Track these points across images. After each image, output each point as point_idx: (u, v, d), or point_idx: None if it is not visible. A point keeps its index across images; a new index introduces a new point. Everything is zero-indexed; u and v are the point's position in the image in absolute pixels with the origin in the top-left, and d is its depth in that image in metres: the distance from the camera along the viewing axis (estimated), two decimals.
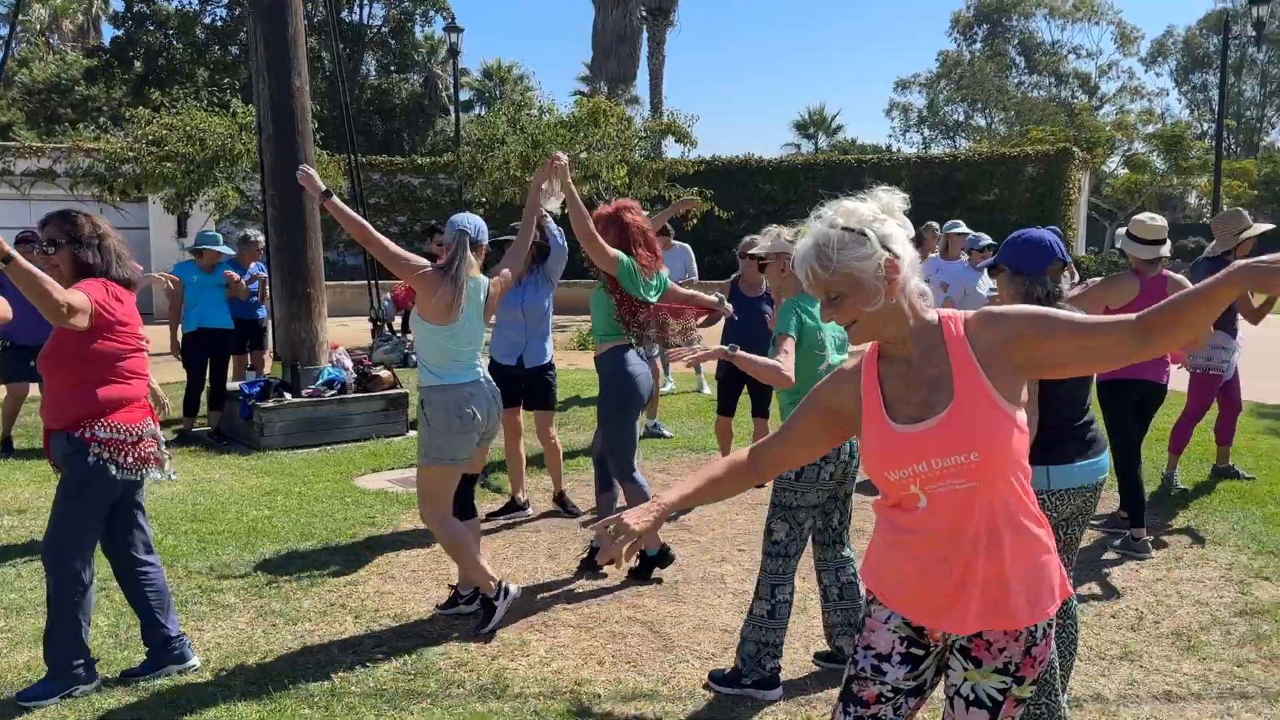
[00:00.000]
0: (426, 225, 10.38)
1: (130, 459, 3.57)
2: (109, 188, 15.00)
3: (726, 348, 3.70)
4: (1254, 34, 21.11)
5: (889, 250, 1.96)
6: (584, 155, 14.29)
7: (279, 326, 8.75)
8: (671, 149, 19.37)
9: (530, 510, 6.01)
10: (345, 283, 17.58)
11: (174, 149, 13.98)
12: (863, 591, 3.60)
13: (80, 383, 3.50)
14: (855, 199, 2.03)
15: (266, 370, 9.43)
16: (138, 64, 28.54)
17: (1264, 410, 8.81)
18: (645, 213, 5.30)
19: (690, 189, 16.10)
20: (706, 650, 4.05)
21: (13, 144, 19.14)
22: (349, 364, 8.94)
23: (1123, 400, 5.18)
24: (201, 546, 5.34)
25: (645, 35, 32.76)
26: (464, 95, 47.26)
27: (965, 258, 7.92)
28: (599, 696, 3.66)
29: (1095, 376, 4.34)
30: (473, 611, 4.34)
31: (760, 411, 6.69)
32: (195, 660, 3.85)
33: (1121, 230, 5.34)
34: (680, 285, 5.39)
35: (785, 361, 3.49)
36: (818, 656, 3.91)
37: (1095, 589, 4.68)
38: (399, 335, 13.44)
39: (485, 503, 6.03)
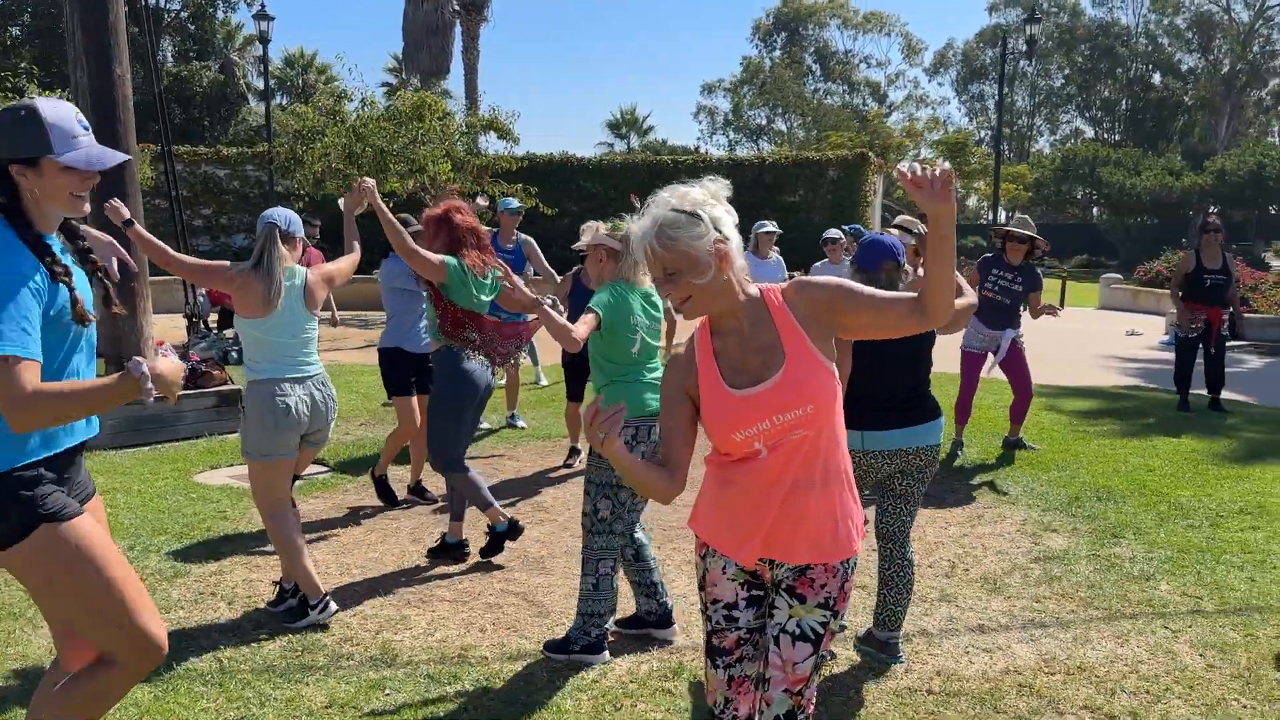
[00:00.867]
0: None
1: None
2: None
3: (546, 299, 4.08)
4: (1025, 49, 22.95)
5: (719, 231, 2.17)
6: (406, 148, 14.20)
7: (100, 323, 8.40)
8: (492, 144, 19.41)
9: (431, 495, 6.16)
10: (155, 278, 16.72)
11: None
12: (650, 556, 4.06)
13: None
14: (687, 185, 2.22)
15: None
16: None
17: (1041, 390, 9.90)
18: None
19: (514, 185, 16.28)
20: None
21: None
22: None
23: None
24: None
25: (459, 29, 32.51)
26: (263, 84, 45.42)
27: (775, 254, 8.76)
28: (486, 659, 3.90)
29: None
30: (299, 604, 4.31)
31: (573, 396, 7.07)
32: None
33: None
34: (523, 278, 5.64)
35: (579, 329, 3.74)
36: (620, 624, 4.11)
37: (913, 544, 5.28)
38: (216, 331, 13.02)
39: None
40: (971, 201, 45.46)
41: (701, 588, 2.39)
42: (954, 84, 68.67)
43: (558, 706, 3.50)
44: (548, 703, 3.52)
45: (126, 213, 4.26)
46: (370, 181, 4.74)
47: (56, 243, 2.50)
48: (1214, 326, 8.63)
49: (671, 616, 4.08)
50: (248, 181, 22.02)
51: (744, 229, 9.43)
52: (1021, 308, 7.14)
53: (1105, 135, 59.80)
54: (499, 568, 4.94)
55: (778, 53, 63.71)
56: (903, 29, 66.59)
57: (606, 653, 3.87)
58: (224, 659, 3.86)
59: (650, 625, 4.07)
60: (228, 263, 4.33)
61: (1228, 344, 8.93)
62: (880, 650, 3.83)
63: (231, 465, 7.15)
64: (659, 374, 3.97)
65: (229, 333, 12.56)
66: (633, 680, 3.71)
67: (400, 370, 6.03)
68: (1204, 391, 9.03)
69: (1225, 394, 9.06)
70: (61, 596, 2.41)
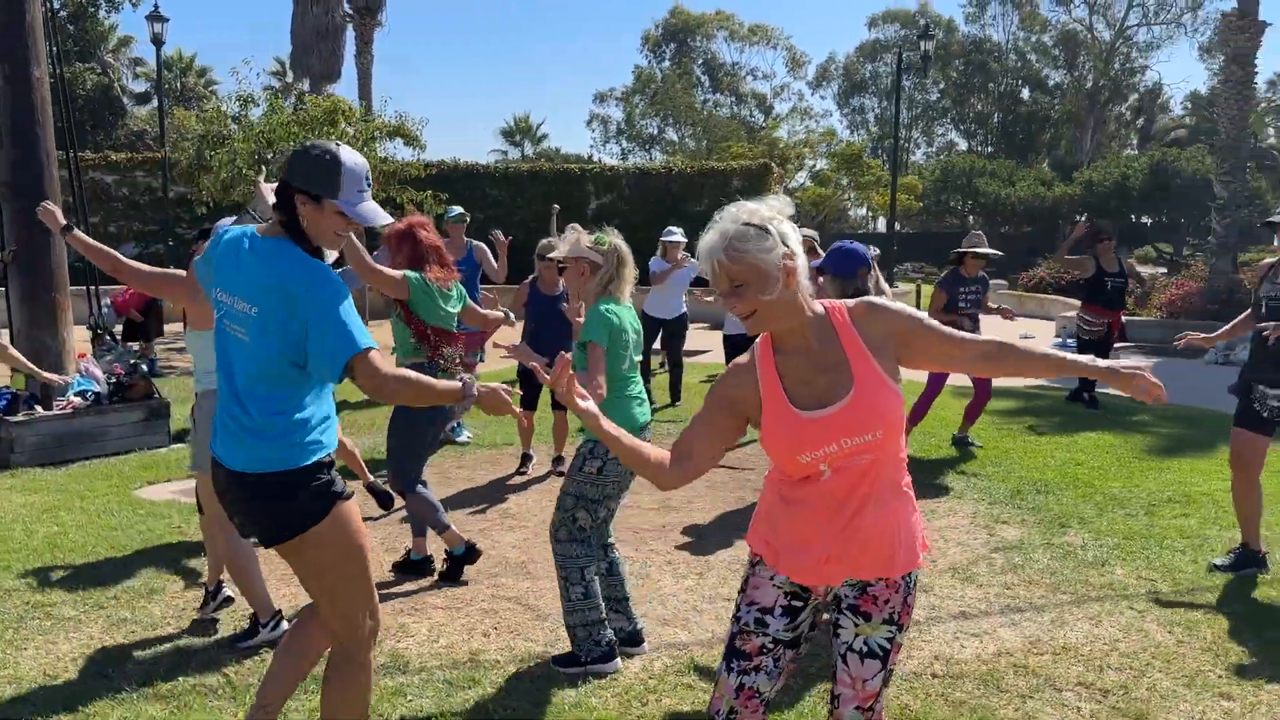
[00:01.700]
0: (202, 229, 9.88)
1: None
2: None
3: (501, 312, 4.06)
4: (920, 64, 23.87)
5: (786, 246, 2.13)
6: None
7: (19, 336, 8.04)
8: (399, 151, 19.13)
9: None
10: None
11: None
12: (623, 572, 4.04)
13: None
14: (754, 201, 2.21)
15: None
16: None
17: (962, 391, 10.34)
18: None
19: (422, 192, 16.10)
20: None
21: None
22: (99, 373, 8.36)
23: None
24: (4, 565, 4.98)
25: (352, 33, 31.89)
26: (141, 87, 43.72)
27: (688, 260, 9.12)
28: (498, 662, 3.93)
29: None
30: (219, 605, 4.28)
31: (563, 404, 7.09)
32: None
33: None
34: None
35: (594, 373, 3.69)
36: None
37: None
38: (121, 344, 12.50)
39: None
40: (862, 211, 46.98)
41: (742, 590, 2.38)
42: (836, 97, 70.62)
43: (584, 704, 3.56)
44: (574, 701, 3.58)
45: (62, 217, 4.10)
46: None
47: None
48: (1114, 329, 9.18)
49: (641, 635, 4.03)
50: (137, 188, 21.14)
51: (652, 238, 9.69)
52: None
53: (979, 148, 62.37)
54: (484, 573, 4.95)
55: (667, 63, 64.47)
56: (787, 42, 68.16)
57: (619, 659, 3.86)
58: (230, 674, 3.79)
59: (619, 643, 3.96)
60: (183, 271, 4.16)
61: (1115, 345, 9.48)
62: None
63: (171, 480, 6.94)
64: (641, 388, 4.02)
65: (135, 344, 12.09)
66: (650, 676, 3.79)
67: None
68: (1094, 388, 9.59)
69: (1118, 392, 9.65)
70: (342, 566, 2.73)
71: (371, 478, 6.04)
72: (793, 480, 2.27)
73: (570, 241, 4.03)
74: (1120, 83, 60.16)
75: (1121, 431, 8.28)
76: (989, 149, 60.53)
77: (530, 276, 7.09)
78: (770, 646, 2.31)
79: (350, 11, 31.71)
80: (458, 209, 8.26)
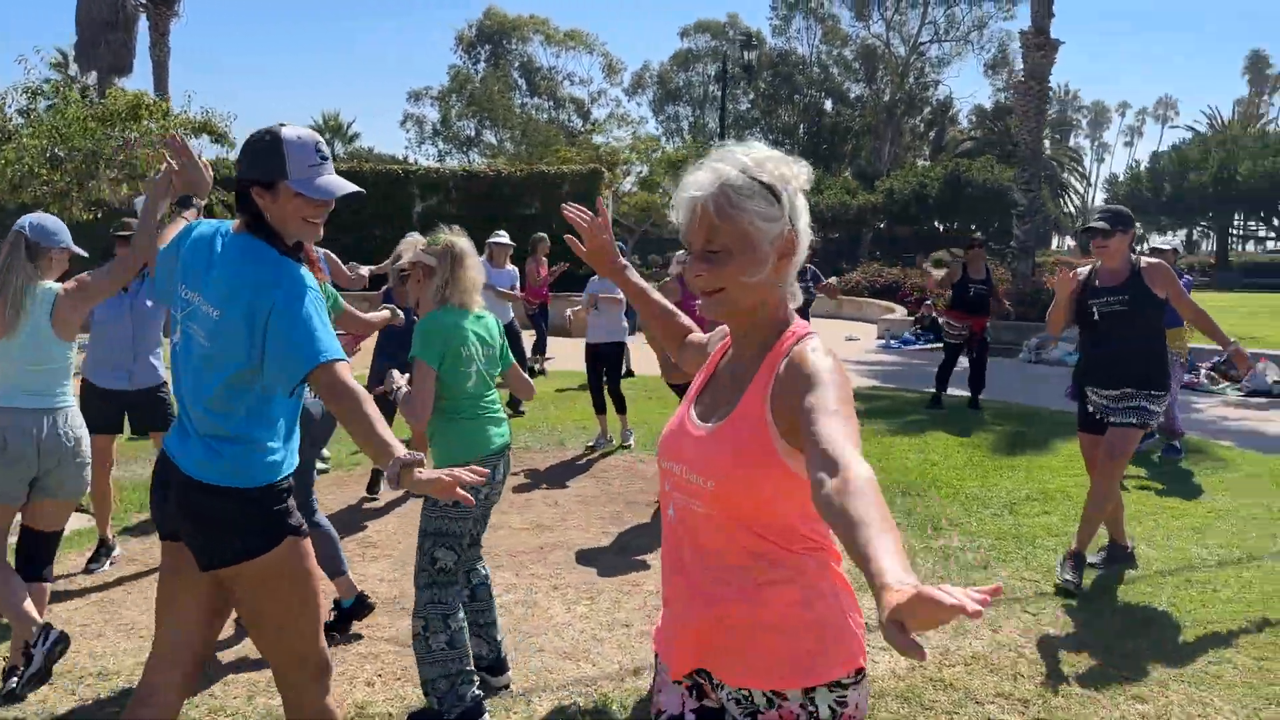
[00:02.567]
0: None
1: None
2: None
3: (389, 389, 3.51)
4: (745, 74, 24.42)
5: (793, 223, 1.67)
6: (121, 151, 12.77)
7: None
8: (197, 147, 17.91)
9: (119, 551, 5.28)
10: None
11: None
12: (488, 595, 3.74)
13: None
14: (768, 150, 1.70)
15: None
16: None
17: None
18: None
19: (233, 192, 15.12)
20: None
21: None
22: None
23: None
24: None
25: (145, 23, 29.79)
26: None
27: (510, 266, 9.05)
28: (389, 715, 3.55)
29: None
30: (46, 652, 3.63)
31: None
32: None
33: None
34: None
35: (418, 394, 3.37)
36: None
37: None
38: None
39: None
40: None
41: (649, 698, 2.00)
42: (651, 104, 71.71)
43: None
44: None
45: None
46: (180, 138, 4.16)
47: None
48: (977, 332, 9.53)
49: (506, 663, 3.74)
50: None
51: (479, 241, 9.45)
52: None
53: (787, 154, 64.69)
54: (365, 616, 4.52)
55: (482, 64, 63.68)
56: (603, 49, 68.69)
57: (486, 714, 3.46)
58: None
59: (481, 670, 3.65)
60: None
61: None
62: None
63: None
64: (498, 406, 3.69)
65: None
66: (566, 718, 3.52)
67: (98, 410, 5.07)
68: (965, 392, 9.92)
69: (964, 391, 10.04)
70: (285, 604, 2.47)
71: None
72: (662, 503, 1.83)
73: (409, 246, 3.75)
74: (915, 96, 63.78)
75: (967, 432, 8.56)
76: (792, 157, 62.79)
77: (384, 288, 6.65)
78: None
79: (144, 0, 29.64)
80: None
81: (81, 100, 13.63)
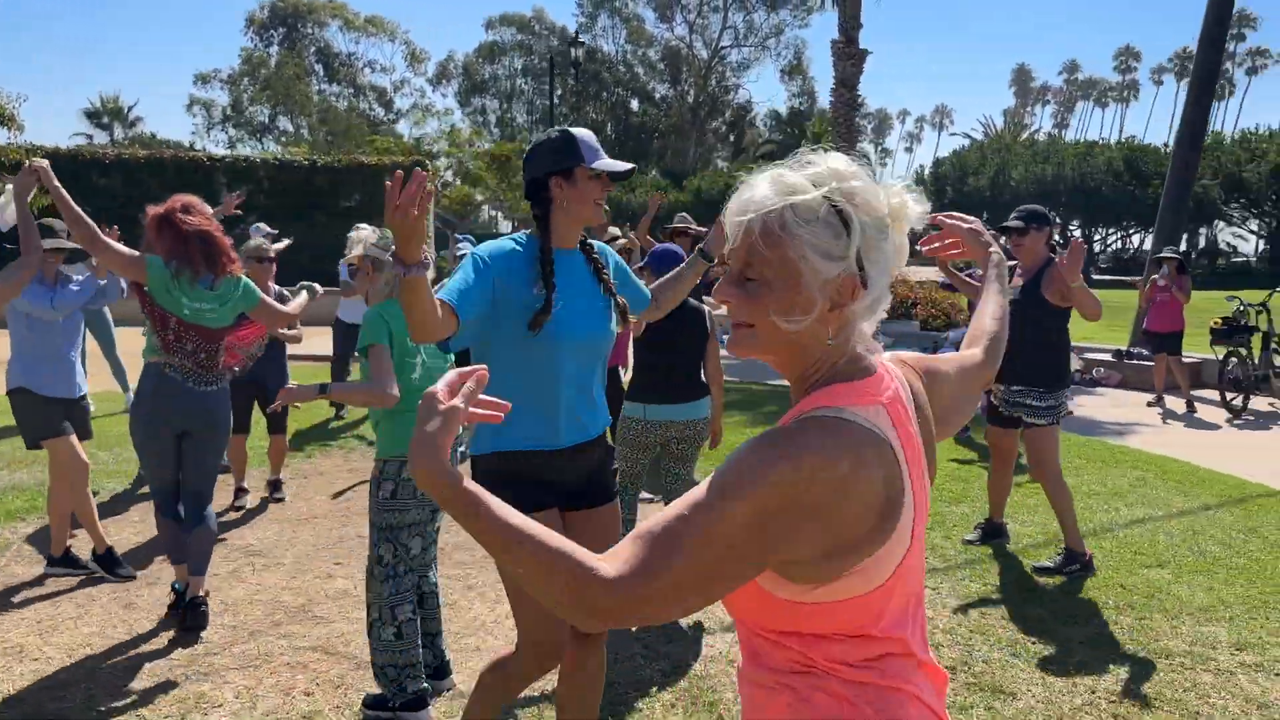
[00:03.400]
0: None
1: None
2: None
3: (318, 387, 3.42)
4: (571, 69, 24.45)
5: (860, 265, 1.31)
6: None
7: None
8: None
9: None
10: None
11: None
12: (441, 603, 3.76)
13: None
14: (856, 164, 1.36)
15: None
16: None
17: None
18: None
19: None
20: None
21: None
22: None
23: None
24: None
25: None
26: None
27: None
28: None
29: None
30: None
31: (276, 428, 6.39)
32: None
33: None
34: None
35: (382, 378, 3.36)
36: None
37: None
38: None
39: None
40: (493, 212, 47.32)
41: None
42: (457, 96, 70.64)
43: None
44: None
45: None
46: (43, 162, 3.98)
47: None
48: None
49: (450, 667, 3.75)
50: None
51: (293, 233, 9.07)
52: None
53: None
54: (267, 624, 4.32)
55: (276, 48, 60.90)
56: (405, 37, 67.11)
57: (430, 709, 3.46)
58: None
59: (427, 676, 3.60)
60: None
61: None
62: None
63: None
64: None
65: None
66: (509, 711, 3.51)
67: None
68: None
69: None
70: None
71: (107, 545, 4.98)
72: None
73: (360, 241, 3.68)
74: (717, 99, 65.76)
75: None
76: None
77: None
78: None
79: None
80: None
81: None
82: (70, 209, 3.88)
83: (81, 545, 5.08)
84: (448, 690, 3.68)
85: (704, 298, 4.95)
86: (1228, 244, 56.43)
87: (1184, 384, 10.41)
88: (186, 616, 4.18)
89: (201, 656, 3.97)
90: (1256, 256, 59.04)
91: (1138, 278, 14.79)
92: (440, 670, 3.70)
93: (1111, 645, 4.11)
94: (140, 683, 3.73)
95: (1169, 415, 9.97)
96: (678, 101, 65.83)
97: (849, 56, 19.33)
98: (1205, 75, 13.62)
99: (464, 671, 3.83)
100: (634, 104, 66.55)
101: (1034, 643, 4.13)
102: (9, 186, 4.05)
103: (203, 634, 4.18)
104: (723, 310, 1.89)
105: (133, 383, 9.53)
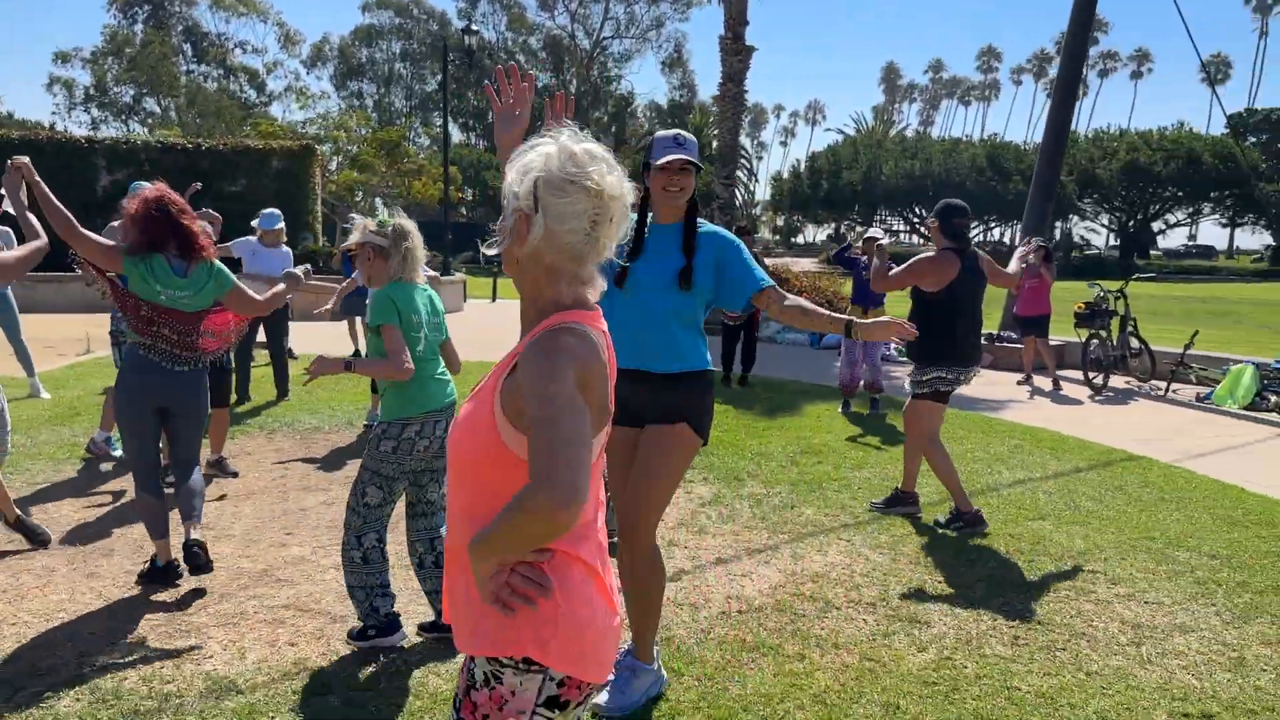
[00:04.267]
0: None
1: None
2: None
3: (344, 363, 3.81)
4: (466, 59, 24.37)
5: (539, 209, 1.67)
6: None
7: None
8: None
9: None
10: None
11: None
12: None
13: None
14: (585, 140, 1.74)
15: None
16: None
17: None
18: None
19: None
20: None
21: None
22: None
23: None
24: None
25: None
26: None
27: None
28: (324, 669, 3.70)
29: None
30: None
31: (219, 402, 6.50)
32: None
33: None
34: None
35: (398, 355, 3.72)
36: (422, 628, 4.01)
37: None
38: None
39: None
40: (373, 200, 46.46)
41: None
42: (333, 79, 68.98)
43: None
44: (437, 688, 3.54)
45: None
46: (24, 159, 4.23)
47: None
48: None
49: (398, 621, 3.97)
50: None
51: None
52: None
53: (477, 140, 64.80)
54: (235, 587, 4.53)
55: (140, 26, 58.40)
56: (278, 17, 65.21)
57: (403, 630, 3.86)
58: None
59: (442, 630, 3.94)
60: None
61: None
62: None
63: None
64: (443, 369, 4.04)
65: None
66: None
67: None
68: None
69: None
70: (677, 478, 3.43)
71: (19, 513, 5.06)
72: None
73: (358, 227, 3.98)
74: (599, 89, 66.06)
75: (739, 402, 9.51)
76: (484, 143, 63.07)
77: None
78: None
79: None
80: (146, 184, 7.09)
81: None
82: (49, 200, 4.07)
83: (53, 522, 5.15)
84: (395, 641, 3.91)
85: None
86: (1081, 237, 59.97)
87: (1050, 364, 11.35)
88: (186, 556, 4.37)
89: (179, 616, 4.16)
90: (1107, 249, 62.91)
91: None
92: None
93: (1006, 583, 4.69)
94: (126, 639, 3.91)
95: (1037, 392, 10.87)
96: (560, 90, 65.79)
97: (736, 52, 19.94)
98: (1068, 82, 14.71)
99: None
100: None
101: (939, 582, 4.68)
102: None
103: (177, 593, 4.37)
104: None
105: (38, 368, 9.35)
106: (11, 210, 4.26)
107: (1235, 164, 46.15)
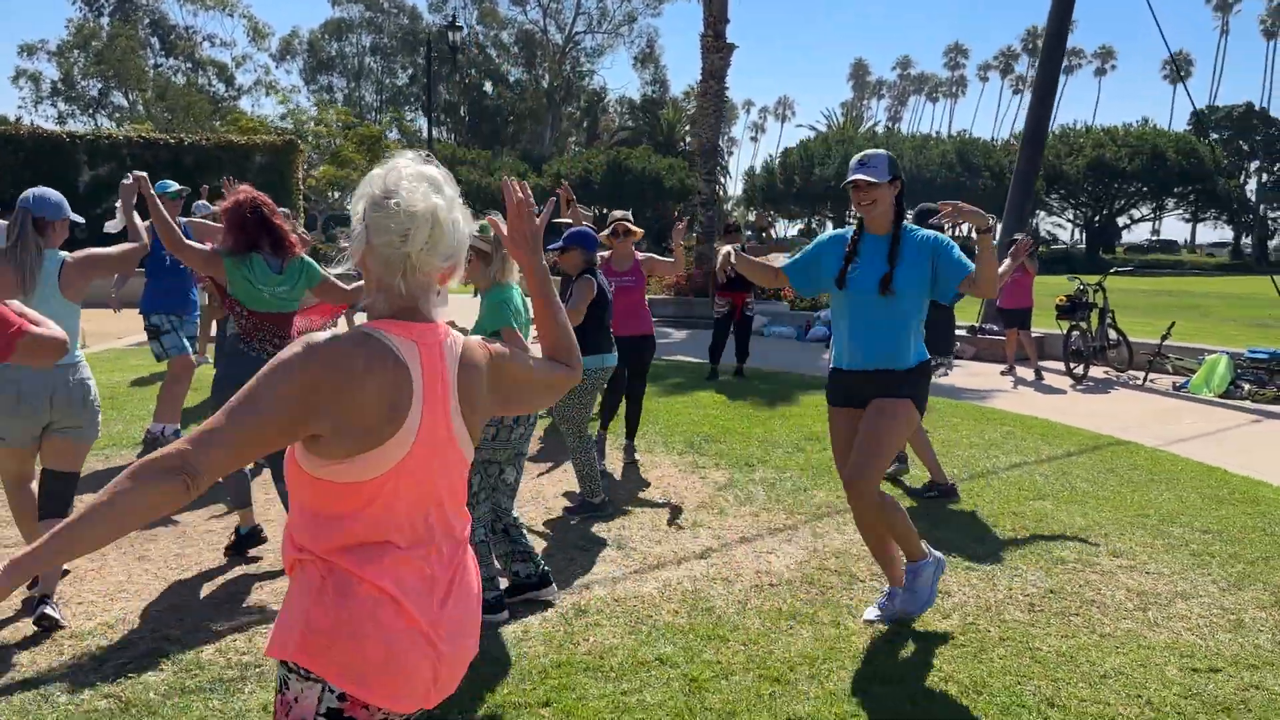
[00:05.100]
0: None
1: None
2: None
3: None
4: (450, 55, 24.46)
5: (359, 218, 1.81)
6: None
7: None
8: None
9: None
10: None
11: None
12: (524, 531, 4.39)
13: None
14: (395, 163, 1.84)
15: None
16: None
17: None
18: None
19: None
20: None
21: None
22: None
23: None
24: None
25: None
26: None
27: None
28: None
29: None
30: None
31: None
32: None
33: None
34: None
35: (527, 350, 4.03)
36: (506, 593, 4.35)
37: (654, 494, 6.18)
38: None
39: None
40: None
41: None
42: (302, 73, 68.57)
43: (526, 651, 3.77)
44: (588, 629, 3.77)
45: None
46: (141, 174, 4.59)
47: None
48: (737, 308, 10.66)
49: (550, 576, 4.36)
50: None
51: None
52: None
53: (448, 135, 64.66)
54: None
55: (106, 19, 57.74)
56: (246, 10, 64.63)
57: (506, 611, 4.12)
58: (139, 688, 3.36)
59: (531, 588, 4.29)
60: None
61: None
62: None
63: None
64: None
65: None
66: (583, 611, 4.08)
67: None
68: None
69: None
70: (899, 443, 3.95)
71: None
72: None
73: None
74: (572, 84, 66.15)
75: (737, 393, 9.78)
76: (455, 138, 62.98)
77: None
78: None
79: None
80: (174, 184, 7.26)
81: None
82: (158, 211, 4.42)
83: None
84: (553, 599, 4.29)
85: None
86: (1048, 232, 60.89)
87: (1033, 355, 11.72)
88: (244, 545, 4.86)
89: (237, 593, 4.37)
90: (1073, 244, 63.83)
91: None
92: (543, 580, 4.32)
93: (1015, 557, 4.99)
94: (193, 615, 4.10)
95: (1020, 383, 11.23)
96: (533, 85, 65.79)
97: (717, 50, 20.17)
98: (1045, 82, 15.10)
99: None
100: (487, 86, 66.16)
101: (954, 557, 4.96)
102: (118, 203, 4.66)
103: (230, 574, 4.58)
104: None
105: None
106: (122, 215, 4.57)
107: (1198, 160, 47.13)
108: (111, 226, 4.95)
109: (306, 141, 30.23)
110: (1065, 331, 11.80)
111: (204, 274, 4.63)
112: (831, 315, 4.17)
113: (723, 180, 66.92)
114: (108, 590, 4.40)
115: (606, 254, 6.76)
